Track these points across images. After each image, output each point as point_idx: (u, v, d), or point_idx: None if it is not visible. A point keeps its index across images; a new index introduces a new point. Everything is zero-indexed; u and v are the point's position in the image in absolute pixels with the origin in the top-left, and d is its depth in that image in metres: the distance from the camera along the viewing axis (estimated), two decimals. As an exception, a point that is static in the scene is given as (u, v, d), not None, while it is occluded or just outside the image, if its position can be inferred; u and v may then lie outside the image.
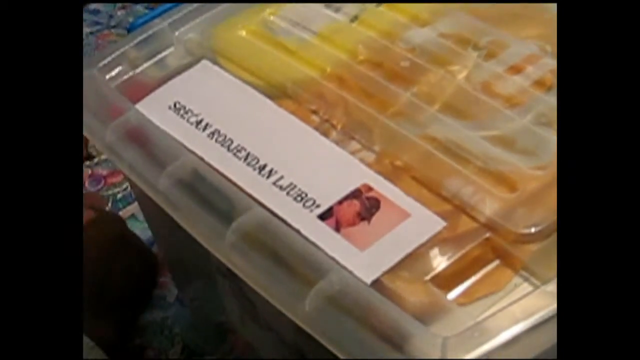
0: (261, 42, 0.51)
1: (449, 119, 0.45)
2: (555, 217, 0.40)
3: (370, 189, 0.43)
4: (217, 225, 0.42)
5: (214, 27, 0.53)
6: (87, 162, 0.77)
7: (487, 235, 0.41)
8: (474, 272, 0.40)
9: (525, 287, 0.39)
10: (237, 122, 0.47)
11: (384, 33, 0.50)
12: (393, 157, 0.44)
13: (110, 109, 0.48)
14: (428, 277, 0.40)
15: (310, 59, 0.49)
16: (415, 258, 0.40)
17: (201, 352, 0.62)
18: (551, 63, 0.47)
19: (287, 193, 0.43)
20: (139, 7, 0.92)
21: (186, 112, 0.48)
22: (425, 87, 0.47)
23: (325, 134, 0.46)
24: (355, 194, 0.42)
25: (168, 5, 0.57)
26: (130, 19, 0.90)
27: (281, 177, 0.44)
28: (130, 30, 0.82)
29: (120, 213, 0.72)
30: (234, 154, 0.45)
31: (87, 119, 0.47)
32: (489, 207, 0.41)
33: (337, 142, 0.45)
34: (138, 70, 0.51)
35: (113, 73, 0.51)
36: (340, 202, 0.42)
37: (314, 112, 0.47)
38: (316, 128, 0.46)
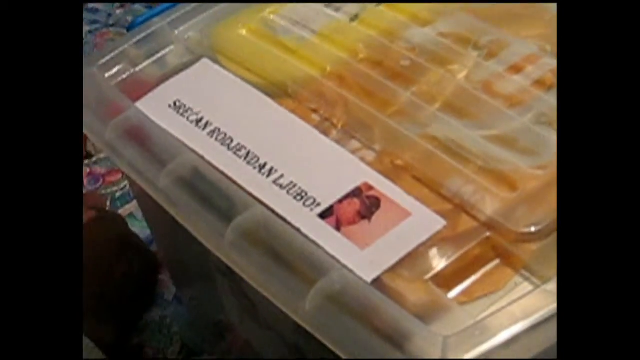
0: (261, 41, 0.51)
1: (449, 118, 0.45)
2: (555, 217, 0.40)
3: (370, 187, 0.43)
4: (217, 223, 0.42)
5: (214, 26, 0.53)
6: (86, 161, 0.77)
7: (488, 234, 0.41)
8: (475, 271, 0.40)
9: (526, 286, 0.39)
10: (237, 121, 0.47)
11: (384, 32, 0.50)
12: (393, 156, 0.44)
13: (110, 107, 0.48)
14: (428, 276, 0.40)
15: (311, 58, 0.49)
16: (415, 257, 0.40)
17: (200, 351, 0.63)
18: (551, 63, 0.47)
19: (288, 192, 0.43)
20: (138, 6, 0.92)
21: (186, 111, 0.48)
22: (426, 87, 0.47)
23: (326, 132, 0.46)
24: (356, 193, 0.42)
25: (167, 5, 0.57)
26: (129, 18, 0.90)
27: (281, 176, 0.44)
28: (129, 28, 0.82)
29: (119, 212, 0.72)
30: (234, 153, 0.45)
31: (87, 117, 0.47)
32: (489, 206, 0.41)
33: (337, 141, 0.45)
34: (138, 68, 0.51)
35: (113, 71, 0.51)
36: (340, 201, 0.42)
37: (314, 110, 0.47)
38: (316, 127, 0.46)
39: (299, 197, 0.43)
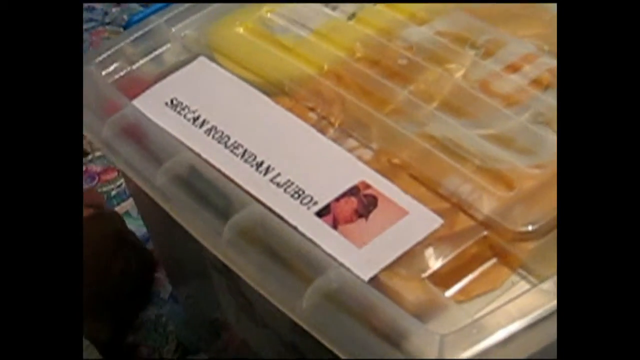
0: (258, 39, 0.51)
1: (447, 117, 0.45)
2: (552, 216, 0.40)
3: (367, 186, 0.42)
4: (214, 221, 0.42)
5: (210, 24, 0.53)
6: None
7: (485, 233, 0.41)
8: (472, 270, 0.40)
9: (523, 285, 0.39)
10: (234, 119, 0.47)
11: (382, 31, 0.50)
12: (391, 154, 0.44)
13: (107, 105, 0.48)
14: (425, 275, 0.40)
15: (308, 57, 0.49)
16: (412, 255, 0.40)
17: (195, 350, 0.62)
18: (548, 62, 0.47)
19: (285, 190, 0.43)
20: (134, 5, 0.92)
21: (183, 109, 0.48)
22: (423, 85, 0.47)
23: (323, 131, 0.46)
24: (353, 191, 0.42)
25: (162, 4, 0.57)
26: (125, 16, 0.90)
27: (278, 174, 0.44)
28: (126, 27, 0.82)
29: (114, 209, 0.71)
30: (231, 151, 0.45)
31: (84, 114, 0.47)
32: (486, 205, 0.41)
33: (334, 140, 0.45)
34: (135, 66, 0.51)
35: (110, 69, 0.51)
36: (337, 199, 0.42)
37: (312, 109, 0.47)
38: (313, 125, 0.46)
39: (296, 196, 0.43)
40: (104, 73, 0.50)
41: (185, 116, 0.47)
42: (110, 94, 0.49)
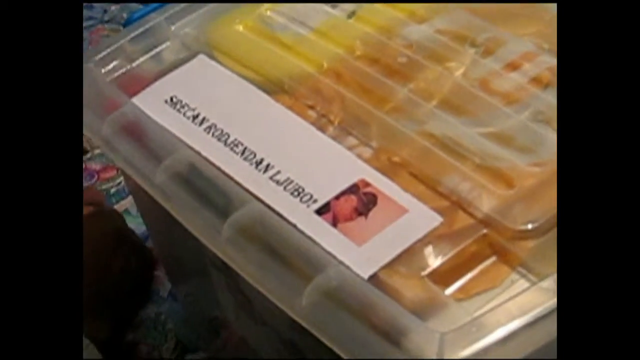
0: (258, 37, 0.51)
1: (447, 116, 0.45)
2: (552, 214, 0.40)
3: (367, 184, 0.42)
4: (213, 219, 0.42)
5: (210, 22, 0.53)
6: (81, 157, 0.77)
7: (484, 231, 0.41)
8: (471, 268, 0.40)
9: (522, 284, 0.39)
10: (234, 117, 0.47)
11: (382, 29, 0.50)
12: (390, 152, 0.44)
13: (107, 103, 0.48)
14: (425, 273, 0.40)
15: (308, 55, 0.49)
16: (412, 253, 0.40)
17: (194, 348, 0.62)
18: (548, 60, 0.47)
19: (284, 188, 0.43)
20: (133, 3, 0.92)
21: (182, 107, 0.48)
22: (423, 84, 0.47)
23: (322, 129, 0.46)
24: (353, 189, 0.42)
25: (161, 4, 0.57)
26: (124, 14, 0.90)
27: (278, 172, 0.44)
28: (125, 25, 0.82)
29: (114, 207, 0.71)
30: (231, 149, 0.45)
31: (83, 113, 0.47)
32: (486, 203, 0.41)
33: (334, 138, 0.45)
34: (134, 64, 0.51)
35: (109, 67, 0.51)
36: (337, 197, 0.42)
37: (311, 107, 0.47)
38: (313, 123, 0.46)
39: (295, 194, 0.42)
40: (103, 71, 0.50)
41: (184, 114, 0.47)
42: (109, 91, 0.49)
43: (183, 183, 0.44)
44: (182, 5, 0.53)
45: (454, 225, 0.41)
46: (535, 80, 0.47)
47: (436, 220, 0.41)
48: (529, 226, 0.40)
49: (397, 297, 0.38)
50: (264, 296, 0.40)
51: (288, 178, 0.43)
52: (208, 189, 0.43)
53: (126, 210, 0.71)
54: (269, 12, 0.53)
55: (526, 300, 0.37)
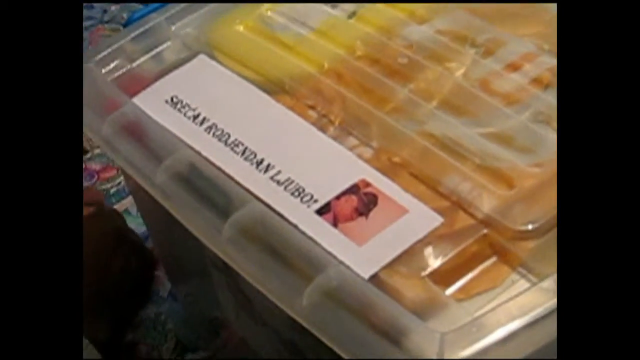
0: (259, 38, 0.51)
1: (447, 116, 0.45)
2: (552, 214, 0.40)
3: (367, 184, 0.43)
4: (214, 219, 0.42)
5: (211, 22, 0.53)
6: (81, 157, 0.77)
7: (485, 231, 0.41)
8: (472, 268, 0.40)
9: (523, 284, 0.39)
10: (235, 117, 0.47)
11: (382, 29, 0.50)
12: (391, 153, 0.44)
13: (107, 103, 0.48)
14: (425, 273, 0.40)
15: (308, 55, 0.49)
16: (412, 254, 0.40)
17: (194, 348, 0.62)
18: (548, 61, 0.47)
19: (285, 188, 0.43)
20: (133, 3, 0.92)
21: (183, 107, 0.48)
22: (423, 84, 0.47)
23: (323, 129, 0.46)
24: (353, 190, 0.42)
25: (161, 4, 0.57)
26: (124, 14, 0.90)
27: (279, 172, 0.44)
28: (126, 25, 0.82)
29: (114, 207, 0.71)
30: (231, 149, 0.45)
31: (84, 112, 0.47)
32: (486, 203, 0.41)
33: (334, 138, 0.45)
34: (135, 64, 0.51)
35: (110, 67, 0.51)
36: (337, 198, 0.42)
37: (312, 107, 0.47)
38: (314, 123, 0.46)
39: (296, 194, 0.43)
40: (103, 71, 0.50)
41: (185, 114, 0.47)
42: (110, 91, 0.49)
43: (183, 183, 0.44)
44: (183, 5, 0.53)
45: (455, 226, 0.41)
46: (536, 81, 0.47)
47: (436, 220, 0.41)
48: (529, 226, 0.40)
49: (397, 297, 0.38)
50: (264, 296, 0.40)
51: (289, 178, 0.43)
52: (208, 189, 0.43)
53: (126, 210, 0.71)
54: (269, 12, 0.53)
55: (526, 300, 0.37)
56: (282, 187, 0.43)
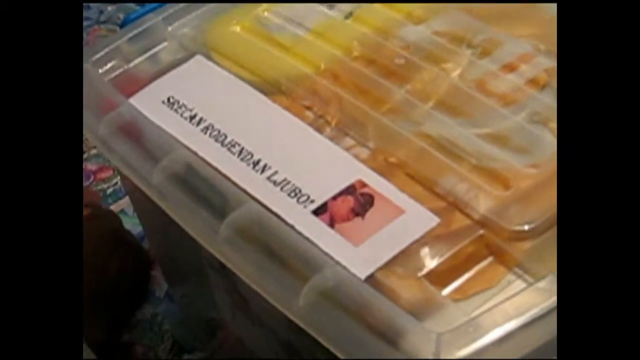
0: (255, 38, 0.51)
1: (443, 117, 0.45)
2: (548, 215, 0.40)
3: (364, 185, 0.43)
4: (210, 220, 0.42)
5: (207, 23, 0.53)
6: (77, 158, 0.76)
7: (481, 232, 0.41)
8: (468, 269, 0.40)
9: (519, 284, 0.39)
10: (231, 117, 0.47)
11: (379, 30, 0.50)
12: (387, 153, 0.44)
13: (104, 103, 0.48)
14: (422, 273, 0.40)
15: (305, 55, 0.49)
16: (409, 254, 0.40)
17: (191, 349, 0.62)
18: (545, 62, 0.48)
19: (281, 188, 0.43)
20: (129, 3, 0.92)
21: (180, 107, 0.48)
22: (420, 85, 0.47)
23: (320, 130, 0.46)
24: (350, 190, 0.42)
25: (158, 4, 0.57)
26: (121, 15, 0.90)
27: (275, 173, 0.44)
28: (123, 25, 0.81)
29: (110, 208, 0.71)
30: (228, 149, 0.45)
31: (81, 112, 0.47)
32: (482, 204, 0.41)
33: (331, 138, 0.45)
34: (131, 64, 0.51)
35: (106, 67, 0.51)
36: (334, 198, 0.42)
37: (308, 108, 0.47)
38: (310, 124, 0.46)
39: (292, 194, 0.43)
40: (100, 71, 0.50)
41: (182, 114, 0.47)
42: (106, 92, 0.49)
43: (180, 183, 0.44)
44: (179, 5, 0.53)
45: (451, 226, 0.41)
46: (532, 82, 0.47)
47: (433, 220, 0.41)
48: (526, 227, 0.40)
49: (394, 297, 0.38)
50: (261, 297, 0.40)
51: (285, 179, 0.43)
52: (205, 190, 0.43)
53: (122, 211, 0.71)
54: (266, 13, 0.53)
55: (523, 300, 0.37)
56: (278, 188, 0.43)
